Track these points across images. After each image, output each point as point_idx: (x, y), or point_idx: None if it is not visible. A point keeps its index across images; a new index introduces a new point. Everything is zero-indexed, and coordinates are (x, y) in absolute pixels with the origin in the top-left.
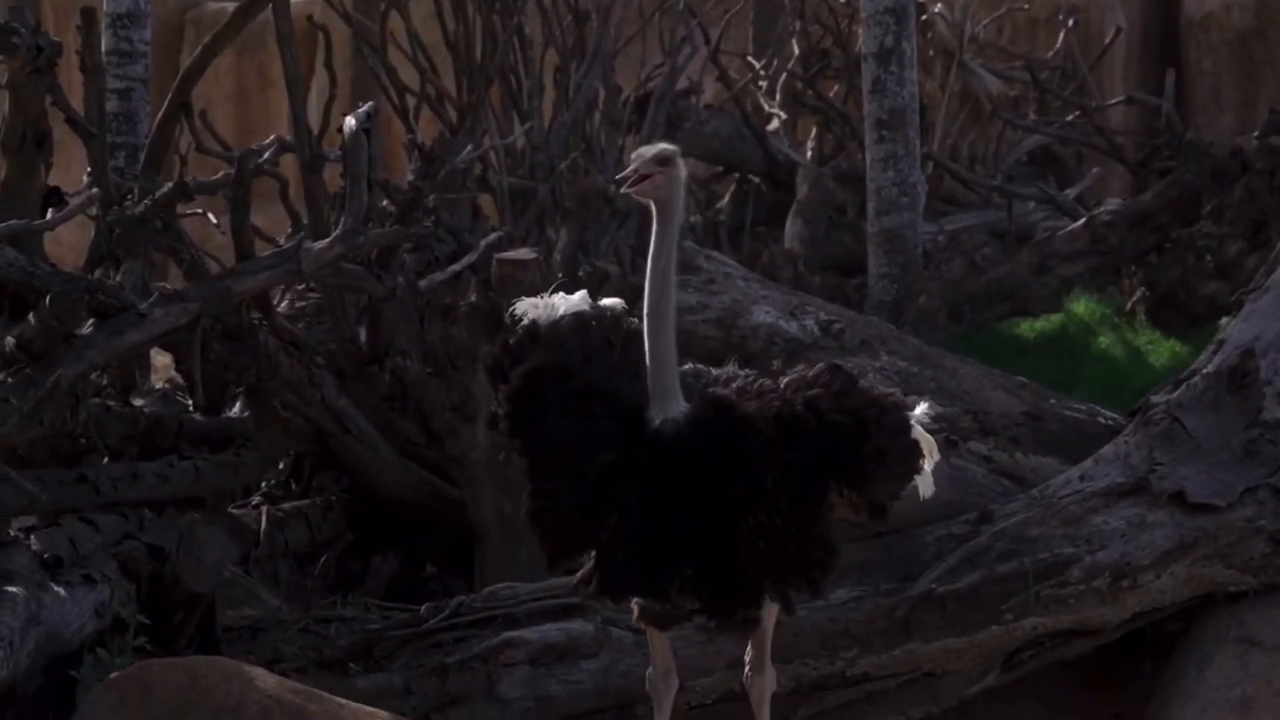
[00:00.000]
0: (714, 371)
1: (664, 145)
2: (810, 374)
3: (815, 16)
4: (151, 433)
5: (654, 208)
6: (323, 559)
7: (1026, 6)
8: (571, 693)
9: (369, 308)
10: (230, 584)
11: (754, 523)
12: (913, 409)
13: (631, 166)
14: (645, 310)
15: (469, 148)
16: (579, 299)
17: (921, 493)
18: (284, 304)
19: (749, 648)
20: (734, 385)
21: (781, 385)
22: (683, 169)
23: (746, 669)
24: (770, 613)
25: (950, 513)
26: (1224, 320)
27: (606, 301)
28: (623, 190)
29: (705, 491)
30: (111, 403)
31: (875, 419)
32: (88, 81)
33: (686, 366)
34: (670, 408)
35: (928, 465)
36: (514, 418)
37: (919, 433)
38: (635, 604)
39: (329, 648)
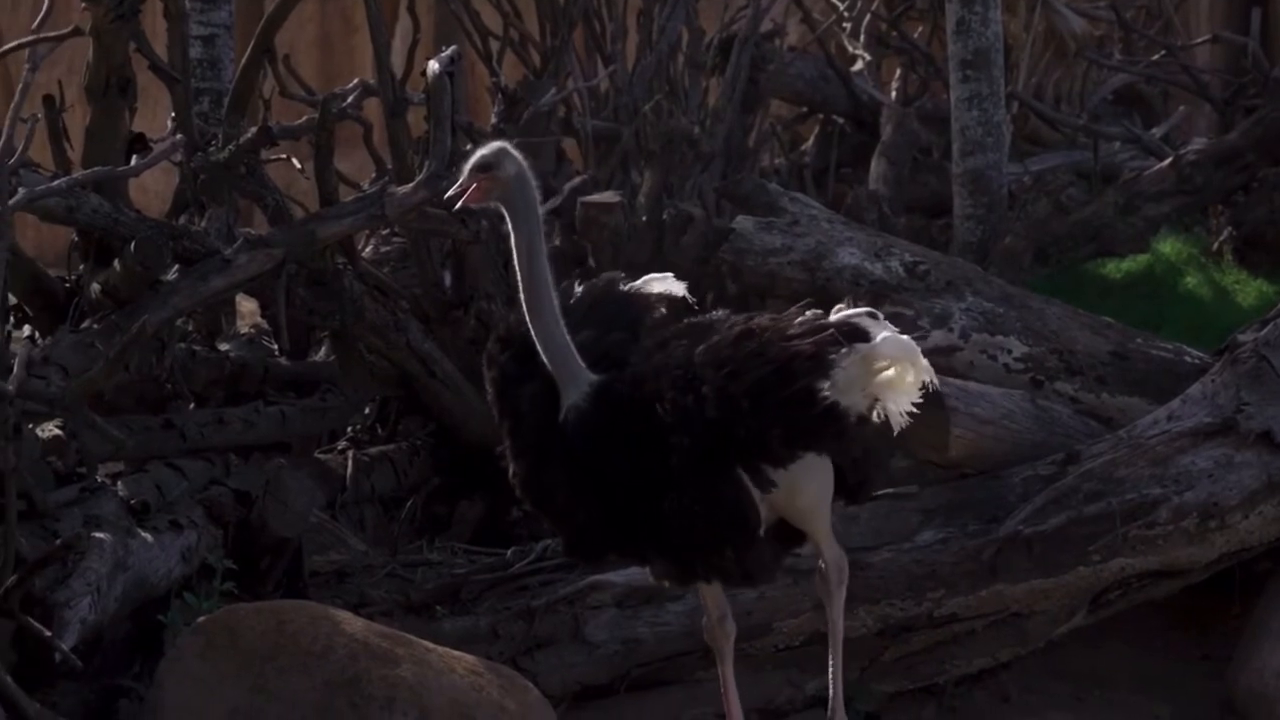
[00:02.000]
0: (713, 318)
1: (486, 149)
2: (724, 340)
3: None
4: (237, 378)
5: (503, 210)
6: (409, 503)
7: None
8: (658, 635)
9: (453, 252)
10: (317, 529)
11: (670, 500)
12: (867, 339)
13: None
14: (524, 309)
15: (552, 91)
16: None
17: (894, 423)
18: (369, 249)
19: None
20: (654, 360)
21: (695, 356)
22: (510, 166)
23: (820, 565)
24: (811, 495)
25: (1037, 454)
26: None
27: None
28: (455, 209)
29: (620, 468)
30: (197, 348)
31: (752, 410)
32: (171, 27)
33: (714, 314)
34: (572, 393)
35: (908, 378)
36: (488, 379)
37: (866, 364)
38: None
39: (415, 592)
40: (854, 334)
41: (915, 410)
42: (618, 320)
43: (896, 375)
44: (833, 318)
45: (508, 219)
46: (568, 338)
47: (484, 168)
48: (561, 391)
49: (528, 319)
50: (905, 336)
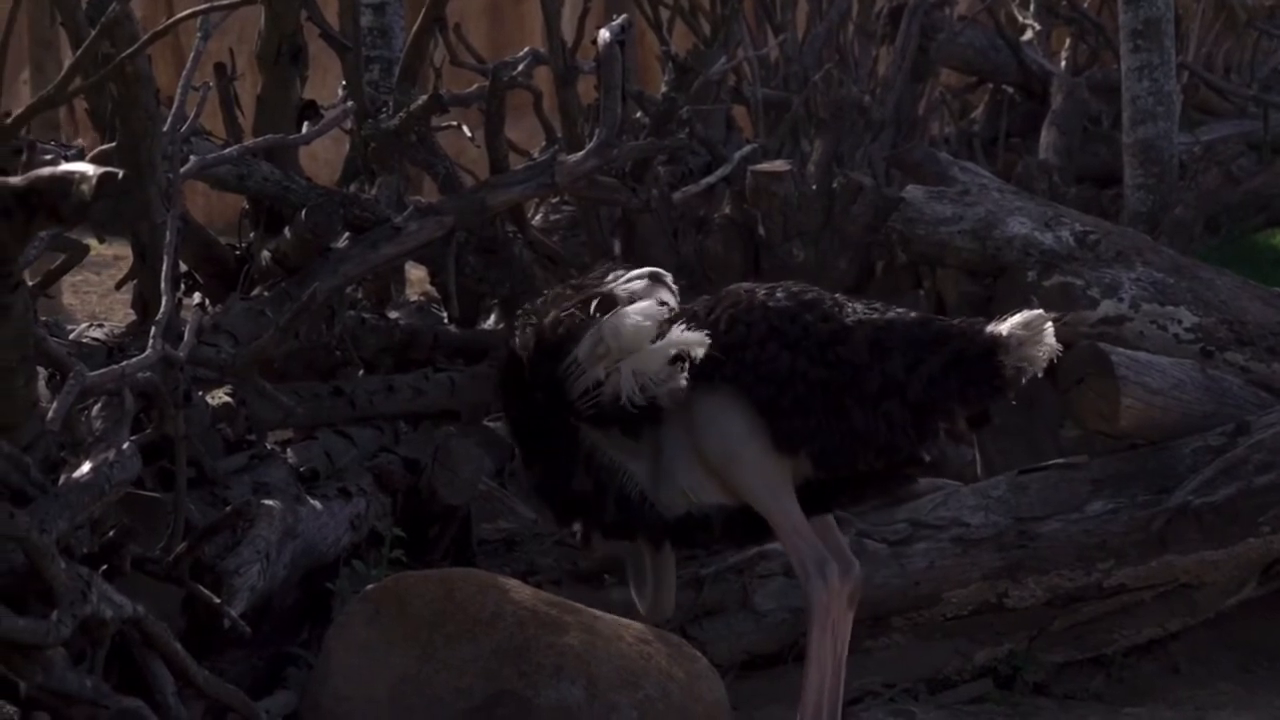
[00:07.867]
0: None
1: None
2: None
3: None
4: (406, 345)
5: None
6: None
7: None
8: None
9: (623, 220)
10: (485, 497)
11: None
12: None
13: None
14: None
15: (723, 60)
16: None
17: (624, 391)
18: (538, 217)
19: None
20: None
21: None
22: None
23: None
24: (710, 453)
25: (1207, 424)
26: None
27: None
28: None
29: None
30: (367, 315)
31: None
32: None
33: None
34: None
35: (642, 354)
36: None
37: (598, 339)
38: None
39: (584, 560)
40: (603, 307)
41: (643, 382)
42: None
43: (631, 351)
44: (614, 286)
45: None
46: None
47: None
48: None
49: None
50: (645, 305)
